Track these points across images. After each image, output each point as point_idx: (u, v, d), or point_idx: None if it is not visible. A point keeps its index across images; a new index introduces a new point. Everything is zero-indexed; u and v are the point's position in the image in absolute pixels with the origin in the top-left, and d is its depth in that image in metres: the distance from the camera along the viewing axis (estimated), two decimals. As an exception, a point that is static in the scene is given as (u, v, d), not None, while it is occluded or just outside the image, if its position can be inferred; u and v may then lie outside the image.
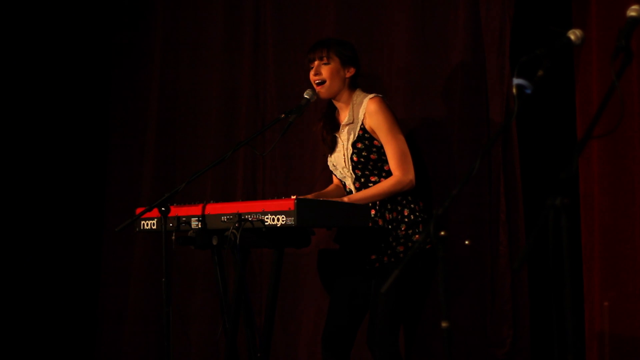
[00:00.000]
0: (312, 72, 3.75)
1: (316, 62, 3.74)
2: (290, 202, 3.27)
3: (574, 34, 2.49)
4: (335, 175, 3.88)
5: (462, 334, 3.88)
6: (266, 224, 3.33)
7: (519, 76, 2.38)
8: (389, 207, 3.65)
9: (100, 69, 5.50)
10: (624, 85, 3.35)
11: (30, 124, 5.34)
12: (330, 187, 3.98)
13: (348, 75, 3.75)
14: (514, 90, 2.40)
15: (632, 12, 2.33)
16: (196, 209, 3.56)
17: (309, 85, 3.80)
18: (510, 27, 3.87)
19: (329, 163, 3.85)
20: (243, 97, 4.88)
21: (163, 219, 3.44)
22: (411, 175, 3.64)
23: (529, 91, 2.38)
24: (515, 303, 3.82)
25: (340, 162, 3.77)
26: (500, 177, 3.85)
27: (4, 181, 5.25)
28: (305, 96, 3.70)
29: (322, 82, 3.73)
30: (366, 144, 3.69)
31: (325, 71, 3.73)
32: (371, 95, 3.71)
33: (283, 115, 3.65)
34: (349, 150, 3.72)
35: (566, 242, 2.02)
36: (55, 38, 5.39)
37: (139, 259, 5.18)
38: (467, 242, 3.88)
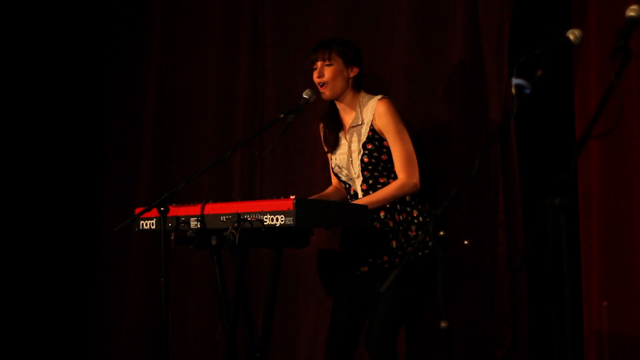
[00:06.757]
0: (315, 74, 3.74)
1: (319, 63, 3.73)
2: (289, 202, 3.27)
3: (572, 34, 2.49)
4: (338, 177, 3.85)
5: (461, 333, 3.87)
6: (265, 223, 3.33)
7: (517, 76, 2.38)
8: (399, 208, 3.65)
9: (97, 68, 5.49)
10: (623, 85, 3.35)
11: (27, 123, 5.32)
12: (330, 189, 3.96)
13: (352, 75, 3.74)
14: (513, 91, 2.40)
15: (631, 12, 2.33)
16: (195, 209, 3.55)
17: (308, 85, 3.79)
18: (508, 27, 3.87)
19: (333, 165, 3.83)
20: (241, 97, 4.87)
21: (162, 218, 3.44)
22: (415, 179, 3.63)
23: (527, 91, 2.38)
24: (514, 303, 3.82)
25: (344, 163, 3.76)
26: (499, 177, 3.85)
27: (1, 180, 5.25)
28: (304, 96, 3.68)
29: (325, 84, 3.72)
30: (376, 144, 3.67)
31: (328, 72, 3.71)
32: (379, 97, 3.69)
33: (282, 115, 3.63)
34: (358, 152, 3.69)
35: (565, 242, 2.02)
36: (53, 37, 5.38)
37: (136, 258, 5.17)
38: (466, 242, 3.88)
